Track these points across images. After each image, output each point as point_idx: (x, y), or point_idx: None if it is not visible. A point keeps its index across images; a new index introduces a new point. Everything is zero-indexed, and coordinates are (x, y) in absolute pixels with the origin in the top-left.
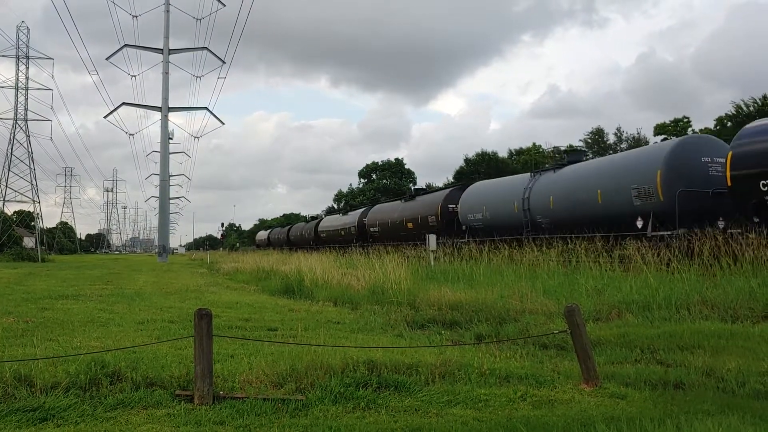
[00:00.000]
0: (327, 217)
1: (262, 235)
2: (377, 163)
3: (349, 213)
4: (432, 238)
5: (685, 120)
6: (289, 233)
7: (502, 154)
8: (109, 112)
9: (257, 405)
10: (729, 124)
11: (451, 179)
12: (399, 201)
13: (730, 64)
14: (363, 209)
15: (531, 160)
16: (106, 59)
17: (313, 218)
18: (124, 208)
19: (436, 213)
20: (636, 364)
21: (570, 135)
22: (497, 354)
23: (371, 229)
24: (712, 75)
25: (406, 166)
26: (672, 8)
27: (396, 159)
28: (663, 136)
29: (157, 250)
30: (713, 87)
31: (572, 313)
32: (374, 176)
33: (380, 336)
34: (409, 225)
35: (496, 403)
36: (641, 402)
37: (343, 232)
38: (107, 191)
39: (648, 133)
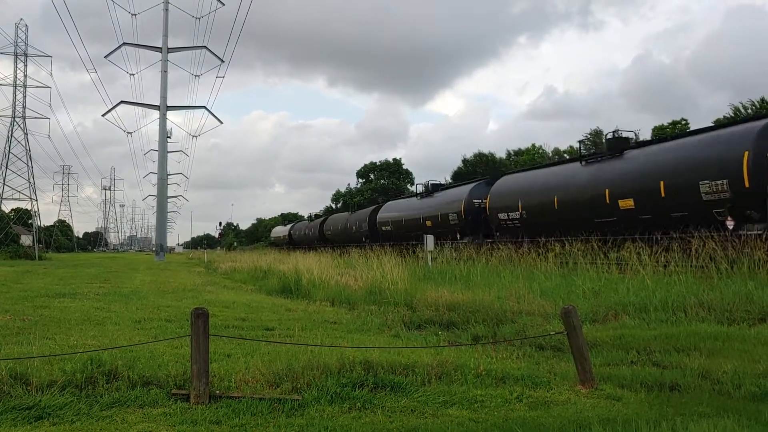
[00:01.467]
0: (390, 202)
1: (280, 231)
2: (375, 163)
3: (436, 194)
4: (430, 239)
5: (684, 122)
6: (324, 228)
7: (500, 154)
8: (107, 110)
9: (253, 404)
10: None
11: (449, 179)
12: (573, 163)
13: (725, 66)
14: (473, 184)
15: (530, 160)
16: (105, 57)
17: (360, 206)
18: (122, 206)
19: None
20: (632, 366)
21: (567, 136)
22: (494, 355)
23: (502, 216)
24: (707, 77)
25: (404, 167)
26: (669, 11)
27: (394, 159)
28: None
29: (154, 248)
30: (708, 89)
31: (569, 314)
32: (372, 176)
33: (377, 336)
34: (626, 203)
35: (492, 403)
36: (637, 404)
37: (429, 223)
38: (105, 189)
39: (646, 135)
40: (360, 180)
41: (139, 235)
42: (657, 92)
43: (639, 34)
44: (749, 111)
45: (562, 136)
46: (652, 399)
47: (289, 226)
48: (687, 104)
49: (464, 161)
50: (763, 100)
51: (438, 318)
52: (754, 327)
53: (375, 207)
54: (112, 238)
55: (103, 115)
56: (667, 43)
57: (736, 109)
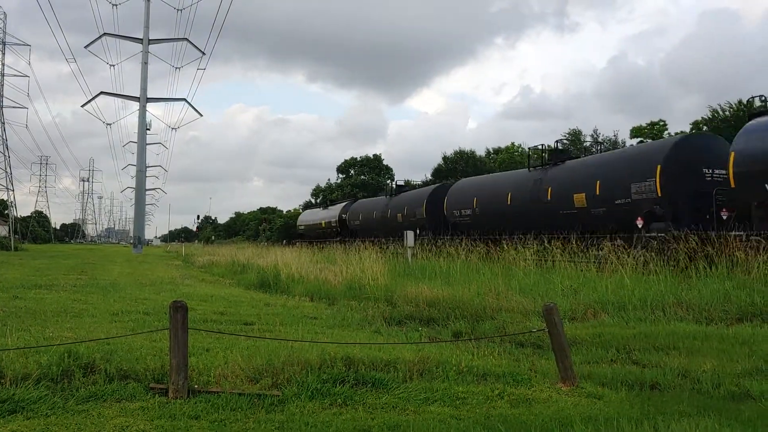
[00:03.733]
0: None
1: (320, 216)
2: (356, 158)
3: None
4: (410, 234)
5: (662, 123)
6: (447, 203)
7: (480, 152)
8: (86, 101)
9: (233, 400)
10: (705, 128)
11: (429, 177)
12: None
13: (699, 69)
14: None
15: (508, 159)
16: (85, 47)
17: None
18: (100, 198)
19: None
20: (612, 364)
21: (543, 136)
22: (475, 352)
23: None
24: (681, 79)
25: (384, 163)
26: (646, 13)
27: (374, 155)
28: (639, 139)
29: (132, 241)
30: (682, 91)
31: (550, 312)
32: (352, 172)
33: (357, 332)
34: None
35: (473, 401)
36: (618, 402)
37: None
38: (83, 181)
39: (624, 135)
40: (340, 175)
41: (116, 228)
42: (631, 93)
43: (615, 36)
44: (726, 113)
45: (539, 136)
46: (633, 398)
47: (337, 207)
48: (661, 106)
49: (444, 159)
50: (740, 102)
51: (418, 314)
52: (732, 327)
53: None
54: (90, 230)
55: (82, 106)
56: (642, 45)
57: (714, 111)
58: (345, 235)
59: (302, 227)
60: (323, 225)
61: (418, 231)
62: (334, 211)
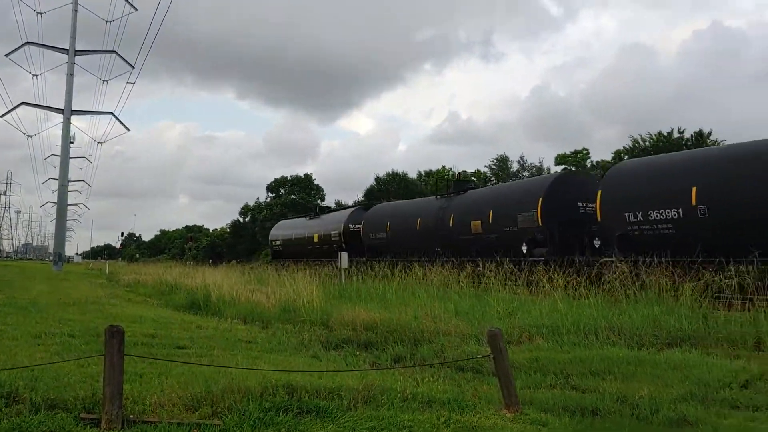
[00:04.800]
0: None
1: (304, 228)
2: (286, 177)
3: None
4: (344, 256)
5: (585, 152)
6: (548, 203)
7: (412, 174)
8: (6, 111)
9: (171, 430)
10: (626, 157)
11: (361, 197)
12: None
13: (616, 101)
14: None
15: (439, 182)
16: (6, 56)
17: None
18: (18, 212)
19: None
20: (552, 390)
21: (469, 160)
22: (417, 378)
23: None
24: (599, 111)
25: (315, 182)
26: (568, 46)
27: (305, 174)
28: (563, 166)
29: (52, 257)
30: (601, 122)
31: (495, 337)
32: (282, 191)
33: (295, 356)
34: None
35: (420, 429)
36: (563, 429)
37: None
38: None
39: (549, 162)
40: (270, 194)
41: (35, 243)
42: (554, 122)
43: (539, 66)
44: (647, 143)
45: (464, 160)
46: (576, 424)
47: (339, 215)
48: (580, 135)
49: (377, 180)
50: (660, 133)
51: (356, 337)
52: (663, 351)
53: None
54: (6, 246)
55: (1, 116)
56: (564, 77)
57: (635, 141)
58: (354, 252)
59: (278, 243)
60: (316, 240)
61: (525, 248)
62: (333, 222)
